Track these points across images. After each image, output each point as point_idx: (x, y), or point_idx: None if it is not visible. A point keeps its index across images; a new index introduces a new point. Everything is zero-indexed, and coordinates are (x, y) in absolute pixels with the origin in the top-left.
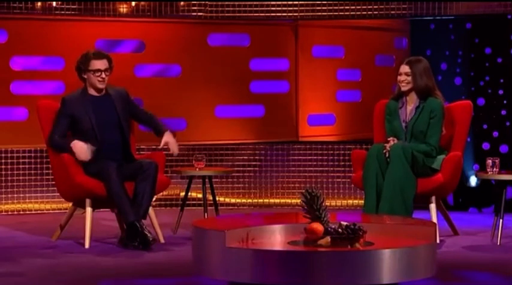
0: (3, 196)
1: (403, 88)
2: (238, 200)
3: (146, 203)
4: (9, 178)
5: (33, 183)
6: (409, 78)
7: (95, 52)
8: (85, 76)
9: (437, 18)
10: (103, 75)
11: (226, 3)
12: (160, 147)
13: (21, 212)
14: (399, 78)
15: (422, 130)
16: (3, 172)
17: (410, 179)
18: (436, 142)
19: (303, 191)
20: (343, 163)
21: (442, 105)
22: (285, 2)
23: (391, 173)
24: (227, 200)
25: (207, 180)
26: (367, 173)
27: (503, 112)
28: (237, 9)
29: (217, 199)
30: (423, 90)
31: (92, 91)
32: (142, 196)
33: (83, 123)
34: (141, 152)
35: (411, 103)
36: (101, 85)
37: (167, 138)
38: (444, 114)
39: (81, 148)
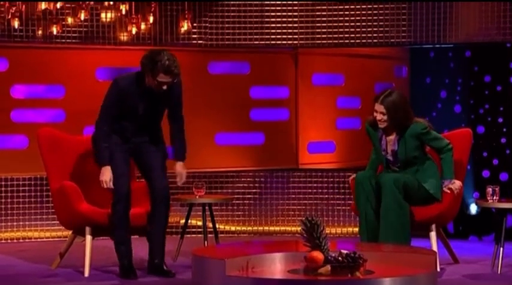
0: (3, 224)
1: (381, 126)
2: (238, 228)
3: (163, 243)
4: (9, 205)
5: (33, 211)
6: (385, 117)
7: (168, 65)
8: (146, 75)
9: (437, 46)
10: (164, 87)
11: (226, 31)
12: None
13: (21, 240)
14: (375, 115)
15: (415, 156)
16: (3, 200)
17: (404, 210)
18: (444, 143)
19: (303, 219)
20: (343, 190)
21: (423, 123)
22: (285, 30)
23: (384, 206)
24: (227, 227)
25: (207, 208)
26: (356, 202)
27: (503, 140)
28: (237, 37)
29: (217, 226)
30: (400, 124)
31: (146, 83)
32: (159, 239)
33: (127, 109)
34: (141, 180)
35: (391, 135)
36: (157, 92)
37: (181, 169)
38: (430, 126)
39: (106, 177)
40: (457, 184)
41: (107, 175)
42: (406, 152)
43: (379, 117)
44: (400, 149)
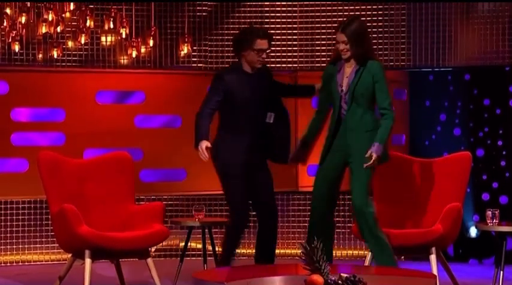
0: (2, 247)
1: (344, 57)
2: (238, 251)
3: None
4: (8, 229)
5: (32, 234)
6: (348, 46)
7: (261, 30)
8: (244, 53)
9: (436, 69)
10: (264, 55)
11: (226, 54)
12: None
13: (20, 263)
14: (337, 46)
15: (363, 93)
16: (3, 223)
17: (381, 241)
18: (388, 104)
19: (303, 242)
20: (343, 213)
21: (381, 65)
22: (285, 53)
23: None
24: None
25: (206, 231)
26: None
27: (503, 163)
28: (237, 60)
29: (216, 249)
30: (362, 56)
31: (246, 68)
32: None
33: (236, 99)
34: (141, 203)
35: (349, 67)
36: (259, 65)
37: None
38: (385, 73)
39: (203, 150)
40: (374, 156)
41: (202, 145)
42: (358, 86)
43: (341, 47)
44: (354, 80)
